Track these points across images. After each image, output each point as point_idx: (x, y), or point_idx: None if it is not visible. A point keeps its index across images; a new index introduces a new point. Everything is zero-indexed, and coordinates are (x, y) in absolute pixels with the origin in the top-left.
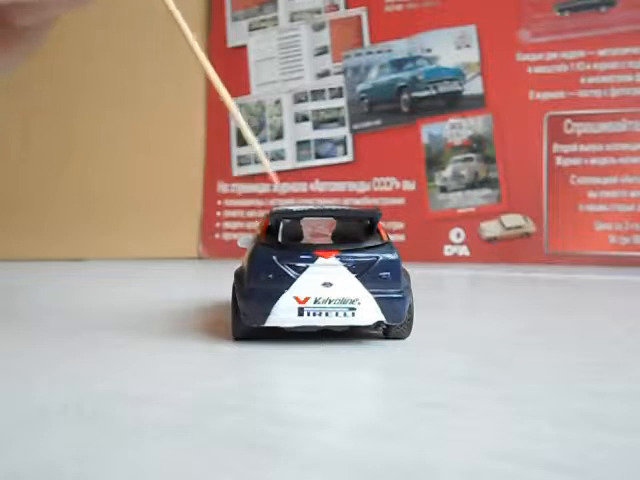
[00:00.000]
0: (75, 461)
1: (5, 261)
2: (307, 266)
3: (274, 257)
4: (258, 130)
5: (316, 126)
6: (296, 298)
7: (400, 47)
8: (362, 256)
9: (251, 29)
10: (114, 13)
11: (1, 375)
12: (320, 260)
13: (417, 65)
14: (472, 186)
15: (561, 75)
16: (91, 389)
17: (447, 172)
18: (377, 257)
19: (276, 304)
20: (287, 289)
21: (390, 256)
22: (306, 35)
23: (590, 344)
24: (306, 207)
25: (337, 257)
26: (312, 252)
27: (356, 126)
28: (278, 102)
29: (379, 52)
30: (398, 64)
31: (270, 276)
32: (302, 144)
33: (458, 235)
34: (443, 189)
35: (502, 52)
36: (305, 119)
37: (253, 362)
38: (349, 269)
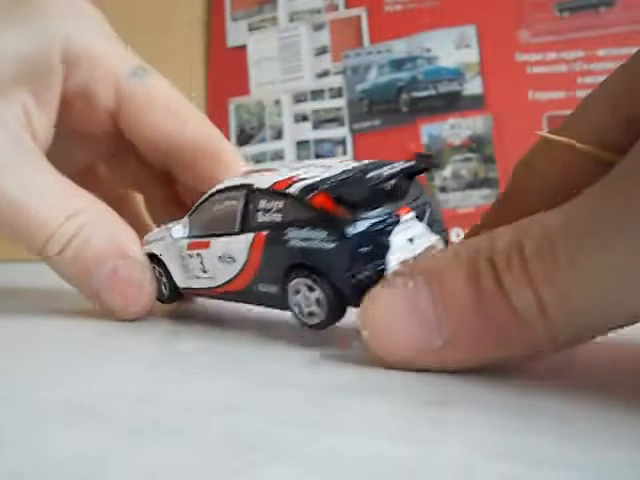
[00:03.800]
0: (75, 461)
1: (5, 262)
2: (394, 228)
3: (364, 229)
4: (257, 130)
5: (316, 126)
6: (395, 263)
7: (400, 47)
8: (421, 203)
9: (251, 29)
10: (112, 12)
11: (1, 375)
12: (402, 218)
13: (417, 65)
14: (472, 186)
15: (561, 75)
16: (91, 389)
17: (447, 172)
18: (429, 202)
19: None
20: (385, 258)
21: (435, 198)
22: (306, 35)
23: (590, 343)
24: (351, 172)
25: (410, 211)
26: (394, 213)
27: (356, 126)
28: (278, 102)
29: (379, 52)
30: (398, 64)
31: (368, 249)
32: (302, 144)
33: (458, 235)
34: (443, 189)
35: (502, 52)
36: (305, 119)
37: (253, 362)
38: (421, 220)
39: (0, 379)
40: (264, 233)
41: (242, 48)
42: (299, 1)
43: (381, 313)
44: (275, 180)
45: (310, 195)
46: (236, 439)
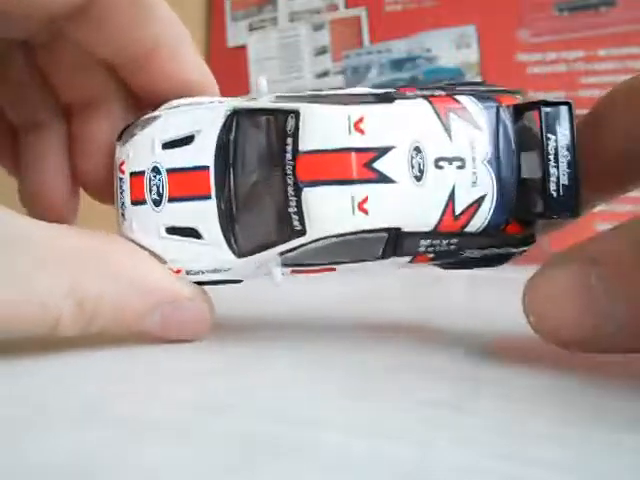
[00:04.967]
0: (75, 461)
1: None
2: None
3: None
4: None
5: None
6: None
7: (400, 47)
8: None
9: (251, 29)
10: None
11: (0, 374)
12: None
13: (417, 65)
14: None
15: (561, 75)
16: (91, 389)
17: None
18: None
19: None
20: None
21: None
22: (306, 35)
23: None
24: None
25: None
26: None
27: None
28: None
29: (379, 52)
30: (398, 64)
31: None
32: None
33: None
34: None
35: (502, 52)
36: None
37: (253, 361)
38: None
39: (5, 378)
40: (428, 256)
41: (242, 48)
42: (299, 1)
43: (548, 295)
44: (432, 218)
45: (500, 228)
46: (236, 438)
